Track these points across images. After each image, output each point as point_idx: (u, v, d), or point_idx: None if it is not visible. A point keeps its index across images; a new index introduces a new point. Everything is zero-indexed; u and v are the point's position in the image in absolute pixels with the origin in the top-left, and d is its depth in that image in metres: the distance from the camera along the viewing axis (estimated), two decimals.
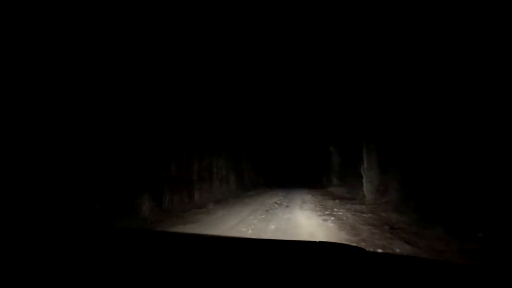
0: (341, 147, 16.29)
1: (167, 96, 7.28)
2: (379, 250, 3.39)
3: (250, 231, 4.51)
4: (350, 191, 12.61)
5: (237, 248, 1.18)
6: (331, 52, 10.19)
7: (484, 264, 2.91)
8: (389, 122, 8.32)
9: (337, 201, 9.13)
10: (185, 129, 8.17)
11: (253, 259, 1.00)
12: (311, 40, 9.96)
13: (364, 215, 6.12)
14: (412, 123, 6.98)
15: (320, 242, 1.20)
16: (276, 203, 8.58)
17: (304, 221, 5.43)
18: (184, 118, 8.08)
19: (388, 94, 8.05)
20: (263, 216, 5.94)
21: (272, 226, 4.90)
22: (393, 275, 0.86)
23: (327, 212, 6.56)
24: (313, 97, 15.04)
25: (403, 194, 7.26)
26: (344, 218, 5.78)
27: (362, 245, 3.56)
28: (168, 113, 7.28)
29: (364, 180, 9.75)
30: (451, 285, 0.81)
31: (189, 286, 0.78)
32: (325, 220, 5.57)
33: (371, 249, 3.30)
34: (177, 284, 0.79)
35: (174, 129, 7.53)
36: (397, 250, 3.39)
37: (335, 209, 7.06)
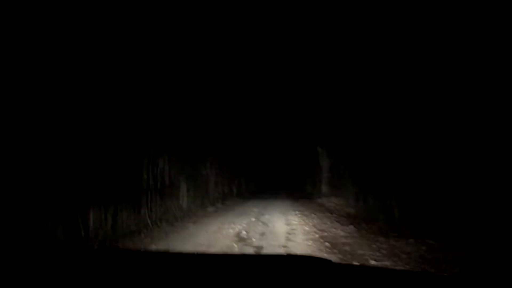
0: (332, 146, 12.79)
1: None
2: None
3: None
4: (350, 203, 8.94)
5: (204, 264, 1.14)
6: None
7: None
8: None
9: (351, 227, 5.27)
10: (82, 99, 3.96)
11: (220, 275, 0.96)
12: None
13: None
14: None
15: (287, 255, 1.26)
16: (238, 236, 4.56)
17: None
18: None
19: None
20: None
21: None
22: (360, 286, 0.83)
23: None
24: (297, 88, 11.42)
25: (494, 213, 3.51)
26: None
27: None
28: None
29: None
30: None
31: None
32: None
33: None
34: None
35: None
36: None
37: (372, 261, 3.18)
